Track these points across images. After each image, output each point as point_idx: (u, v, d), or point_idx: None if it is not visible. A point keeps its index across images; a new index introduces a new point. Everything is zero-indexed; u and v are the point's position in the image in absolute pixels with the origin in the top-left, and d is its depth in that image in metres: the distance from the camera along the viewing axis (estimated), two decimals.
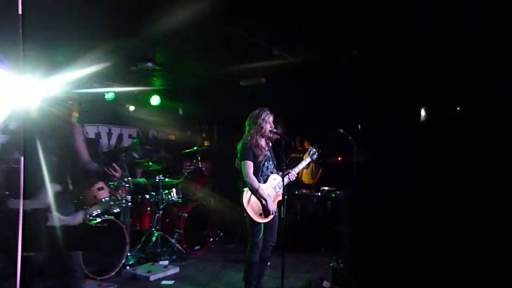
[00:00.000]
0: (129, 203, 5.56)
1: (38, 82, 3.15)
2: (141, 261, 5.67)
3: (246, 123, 4.23)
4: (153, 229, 5.95)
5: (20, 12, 1.97)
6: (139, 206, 5.92)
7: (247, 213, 4.03)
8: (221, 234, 6.90)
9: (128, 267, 5.31)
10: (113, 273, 5.03)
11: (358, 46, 4.91)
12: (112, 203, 5.24)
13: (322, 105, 6.44)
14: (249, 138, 4.12)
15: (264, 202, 4.04)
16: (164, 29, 4.02)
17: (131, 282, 5.03)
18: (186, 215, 6.11)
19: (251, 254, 4.08)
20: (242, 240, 5.92)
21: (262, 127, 4.12)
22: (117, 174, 3.02)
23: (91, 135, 7.14)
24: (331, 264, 4.65)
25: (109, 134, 7.44)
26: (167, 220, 6.20)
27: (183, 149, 7.07)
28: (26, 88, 2.60)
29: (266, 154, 4.20)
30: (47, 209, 3.02)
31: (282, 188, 4.12)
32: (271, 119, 4.18)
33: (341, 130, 4.83)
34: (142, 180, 6.28)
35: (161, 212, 6.00)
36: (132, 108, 7.37)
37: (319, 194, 6.68)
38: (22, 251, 2.11)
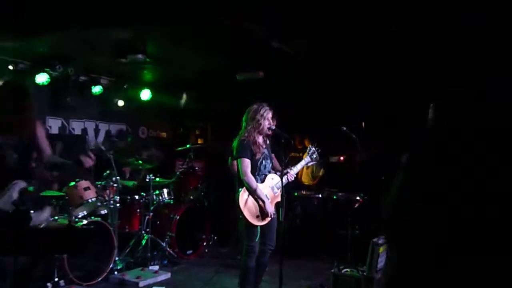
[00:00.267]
0: (117, 204, 5.46)
1: None
2: (130, 266, 5.57)
3: (243, 118, 4.17)
4: (143, 232, 5.84)
5: None
6: (128, 207, 5.85)
7: (243, 215, 3.96)
8: (215, 237, 6.84)
9: (116, 272, 5.21)
10: (100, 279, 4.93)
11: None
12: (99, 204, 5.20)
13: (324, 102, 6.43)
14: (246, 134, 4.05)
15: (261, 203, 3.97)
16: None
17: None
18: (178, 217, 6.02)
19: (247, 259, 4.02)
20: (237, 244, 5.88)
21: (260, 124, 4.03)
22: (90, 161, 3.23)
23: (77, 131, 7.05)
24: (332, 270, 4.57)
25: (96, 130, 7.35)
26: (158, 222, 6.10)
27: (175, 147, 6.99)
28: None
29: (264, 152, 4.13)
30: (15, 207, 2.99)
31: (280, 189, 4.06)
32: (270, 115, 4.09)
33: (344, 128, 4.92)
34: (132, 183, 6.18)
35: (151, 214, 5.89)
36: (121, 103, 7.21)
37: (320, 195, 6.60)
38: None
